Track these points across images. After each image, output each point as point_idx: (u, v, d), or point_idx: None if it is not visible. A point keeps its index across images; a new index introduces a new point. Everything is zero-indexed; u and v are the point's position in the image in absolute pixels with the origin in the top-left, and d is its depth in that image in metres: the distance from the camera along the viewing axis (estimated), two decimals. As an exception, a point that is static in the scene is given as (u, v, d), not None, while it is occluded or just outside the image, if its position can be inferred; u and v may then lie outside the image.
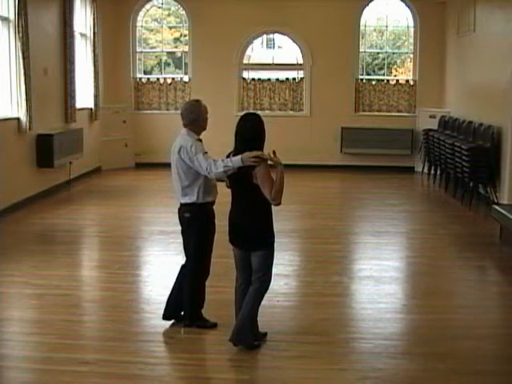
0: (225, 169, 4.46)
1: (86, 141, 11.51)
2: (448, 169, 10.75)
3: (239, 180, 4.51)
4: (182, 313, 5.04)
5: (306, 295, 5.99)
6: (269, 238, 4.55)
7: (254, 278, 4.58)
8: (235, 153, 4.48)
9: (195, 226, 4.86)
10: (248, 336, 4.55)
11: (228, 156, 4.56)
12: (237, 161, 4.38)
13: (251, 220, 4.53)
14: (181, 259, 5.55)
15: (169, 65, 15.22)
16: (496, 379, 4.31)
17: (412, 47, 13.65)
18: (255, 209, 4.50)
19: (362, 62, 13.74)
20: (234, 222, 4.61)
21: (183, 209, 4.89)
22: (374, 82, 13.61)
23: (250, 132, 4.49)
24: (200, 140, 4.84)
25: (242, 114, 4.73)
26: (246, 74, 13.73)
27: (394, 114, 13.50)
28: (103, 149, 12.82)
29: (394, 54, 14.61)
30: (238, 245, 4.64)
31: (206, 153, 4.70)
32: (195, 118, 4.81)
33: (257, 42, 15.03)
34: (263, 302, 4.63)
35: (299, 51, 13.57)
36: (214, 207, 4.95)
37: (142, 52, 13.98)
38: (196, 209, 4.83)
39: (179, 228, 5.00)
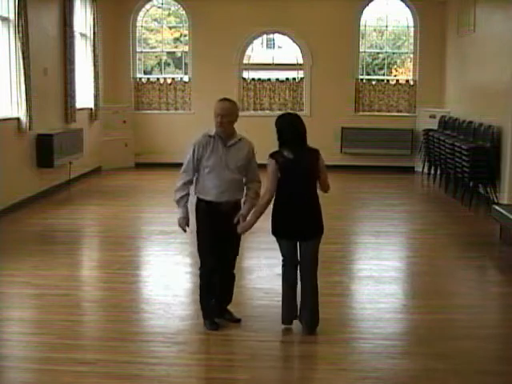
0: (176, 199, 4.83)
1: (85, 141, 11.51)
2: (448, 169, 10.74)
3: (308, 173, 4.72)
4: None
5: (306, 295, 5.98)
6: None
7: (309, 271, 4.75)
8: (292, 146, 4.66)
9: (196, 218, 4.93)
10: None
11: (277, 152, 4.68)
12: (181, 212, 4.81)
13: (316, 208, 4.78)
14: (181, 259, 5.57)
15: (169, 65, 15.22)
16: (496, 379, 4.30)
17: (412, 47, 13.65)
18: (316, 198, 4.80)
19: (362, 62, 13.73)
20: (302, 212, 4.72)
21: None
22: (374, 82, 13.62)
23: (303, 127, 4.78)
24: (210, 136, 4.79)
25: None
26: (246, 74, 13.73)
27: (393, 114, 13.50)
28: (103, 149, 12.82)
29: (394, 54, 14.60)
30: (302, 235, 4.78)
31: (189, 161, 4.82)
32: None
33: (257, 42, 15.00)
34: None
35: (299, 51, 13.57)
36: None
37: (141, 52, 13.98)
38: (195, 202, 4.92)
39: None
